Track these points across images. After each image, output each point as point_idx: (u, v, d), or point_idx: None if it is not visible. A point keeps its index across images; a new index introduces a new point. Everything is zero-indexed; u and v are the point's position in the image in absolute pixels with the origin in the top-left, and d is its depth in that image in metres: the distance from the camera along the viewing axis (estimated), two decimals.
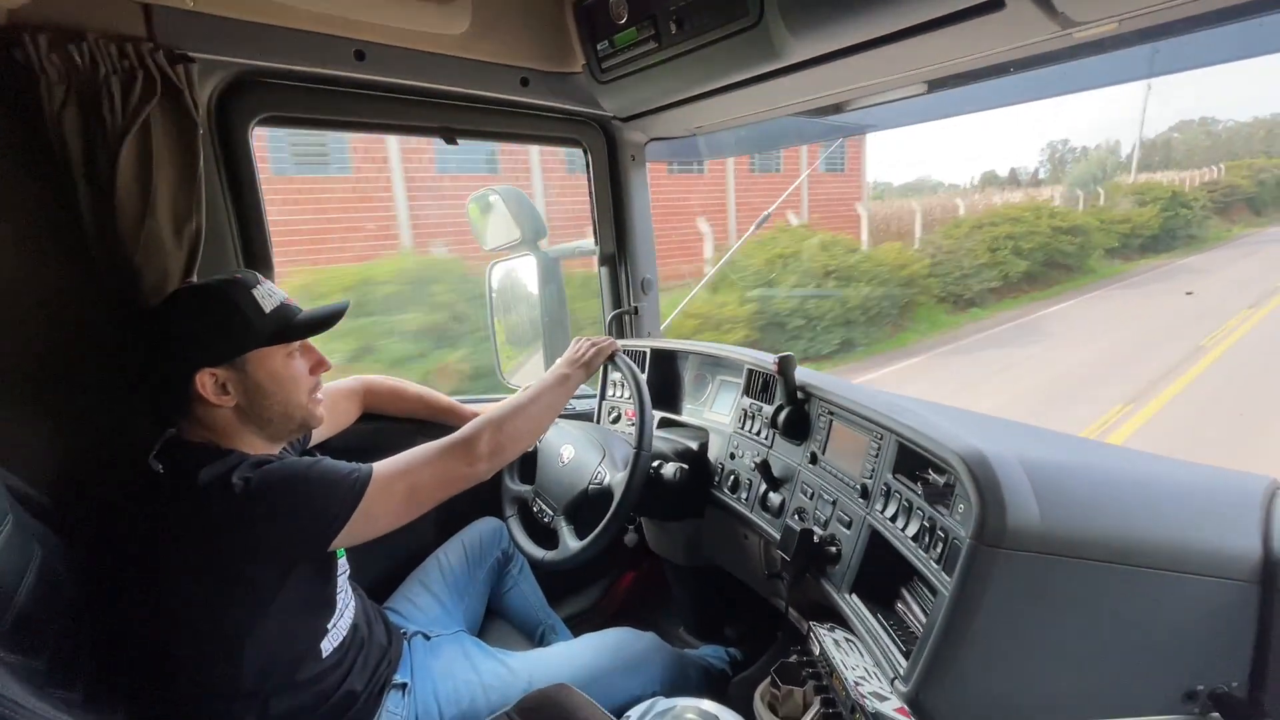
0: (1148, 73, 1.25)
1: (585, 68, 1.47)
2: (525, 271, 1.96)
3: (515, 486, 1.50)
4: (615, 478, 1.27)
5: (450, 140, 1.50)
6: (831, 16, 1.03)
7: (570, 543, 1.28)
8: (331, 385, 1.35)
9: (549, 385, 1.25)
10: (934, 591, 0.79)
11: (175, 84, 1.07)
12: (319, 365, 1.07)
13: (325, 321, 1.04)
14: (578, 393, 1.91)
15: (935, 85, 1.40)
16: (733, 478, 1.37)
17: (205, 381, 0.94)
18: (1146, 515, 0.79)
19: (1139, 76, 1.32)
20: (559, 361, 1.33)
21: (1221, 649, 0.77)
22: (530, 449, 1.48)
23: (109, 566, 0.93)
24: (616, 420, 1.72)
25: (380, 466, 1.00)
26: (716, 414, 1.56)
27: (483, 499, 1.58)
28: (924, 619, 0.83)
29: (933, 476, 0.89)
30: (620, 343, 1.77)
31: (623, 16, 1.32)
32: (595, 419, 1.77)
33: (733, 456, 1.40)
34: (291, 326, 1.01)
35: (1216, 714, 0.78)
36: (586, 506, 1.30)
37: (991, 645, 0.75)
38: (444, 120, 1.49)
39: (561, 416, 1.76)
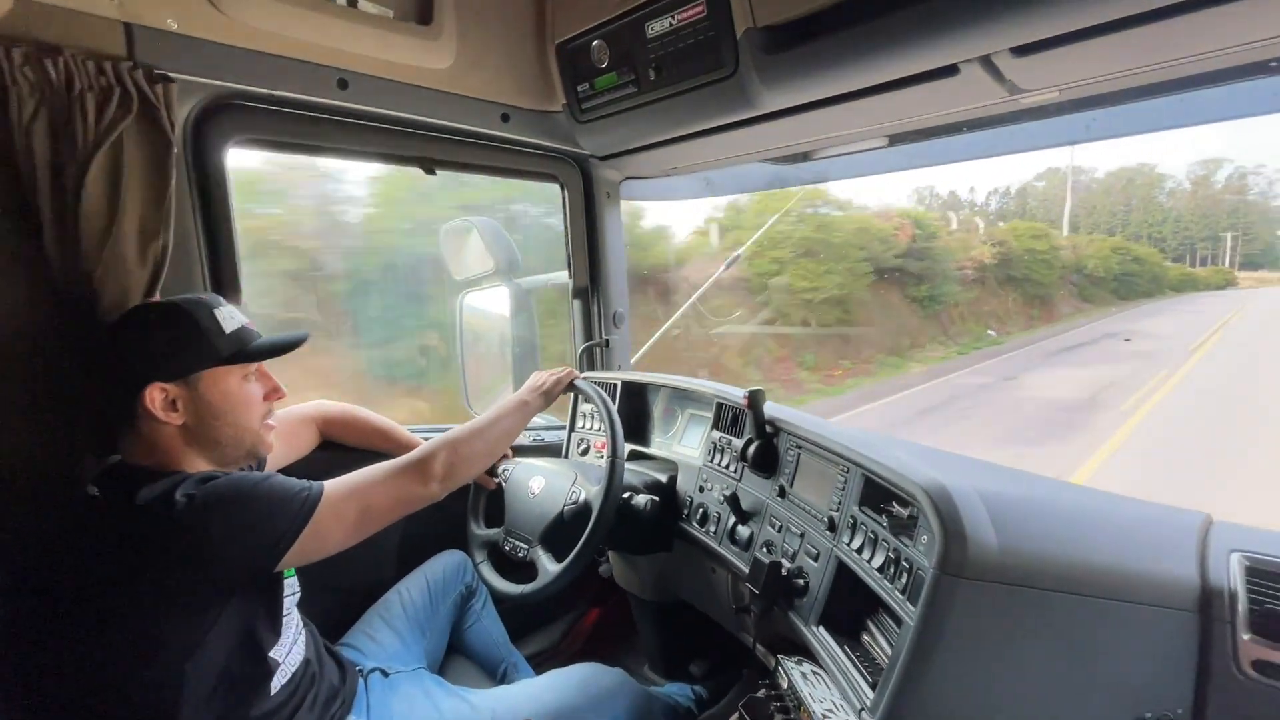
0: (1085, 138, 1.36)
1: (565, 107, 1.52)
2: (497, 302, 1.96)
3: (482, 531, 1.47)
4: (592, 492, 1.27)
5: (429, 171, 1.51)
6: (802, 72, 1.10)
7: (550, 567, 1.26)
8: (289, 411, 1.32)
9: (507, 410, 1.26)
10: (899, 622, 0.81)
11: (152, 103, 1.06)
12: (274, 392, 1.06)
13: (283, 348, 1.04)
14: (546, 426, 1.91)
15: (896, 139, 1.49)
16: (701, 511, 1.38)
17: (155, 396, 0.91)
18: (1095, 546, 0.83)
19: (1077, 140, 1.43)
20: (520, 391, 1.34)
21: (1166, 677, 0.81)
22: (489, 481, 1.47)
23: (36, 597, 0.88)
24: (585, 452, 1.72)
25: (332, 485, 0.98)
26: (686, 447, 1.57)
27: (446, 532, 1.55)
28: (889, 650, 0.85)
29: (897, 509, 0.92)
30: (592, 374, 1.79)
31: (604, 61, 1.37)
32: (564, 452, 1.76)
33: (702, 490, 1.41)
34: (250, 349, 0.99)
35: None
36: (564, 529, 1.29)
37: (954, 674, 0.76)
38: (424, 151, 1.51)
39: (529, 452, 1.75)
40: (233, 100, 1.23)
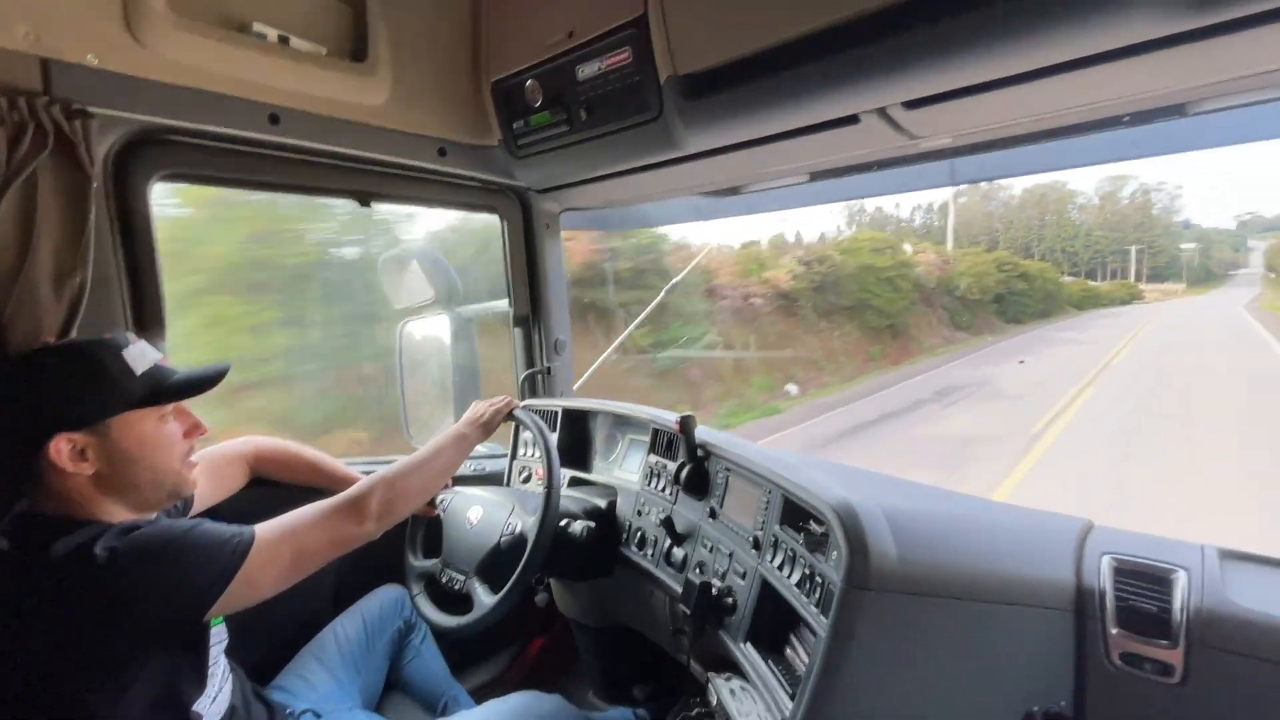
0: (980, 177, 1.50)
1: (502, 142, 1.56)
2: (437, 331, 1.97)
3: (420, 562, 1.46)
4: (528, 522, 1.28)
5: (364, 204, 1.52)
6: (721, 117, 1.18)
7: (485, 599, 1.26)
8: (217, 448, 1.29)
9: (446, 444, 1.27)
10: (815, 635, 0.86)
11: (69, 138, 1.04)
12: (194, 429, 1.01)
13: (202, 384, 0.99)
14: (488, 454, 1.91)
15: (816, 176, 1.59)
16: (639, 535, 1.42)
17: (61, 448, 0.86)
18: (986, 554, 0.91)
19: (976, 179, 1.57)
20: (458, 423, 1.35)
21: (1050, 672, 0.89)
22: (429, 510, 1.46)
23: None
24: (527, 480, 1.73)
25: (264, 529, 0.97)
26: (626, 472, 1.61)
27: (383, 567, 1.53)
28: (809, 662, 0.90)
29: (812, 526, 0.98)
30: (532, 402, 1.81)
31: (537, 100, 1.42)
32: (505, 481, 1.77)
33: (640, 514, 1.45)
34: (164, 389, 0.95)
35: None
36: (500, 560, 1.30)
37: (863, 680, 0.82)
38: (359, 184, 1.52)
39: (471, 481, 1.75)
40: (157, 135, 1.21)
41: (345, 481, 1.43)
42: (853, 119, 1.09)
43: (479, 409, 1.40)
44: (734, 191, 1.80)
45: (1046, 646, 0.89)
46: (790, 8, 0.96)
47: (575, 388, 2.04)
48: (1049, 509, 1.11)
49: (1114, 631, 0.85)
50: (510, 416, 1.42)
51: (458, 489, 1.51)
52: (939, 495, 1.17)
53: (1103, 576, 0.89)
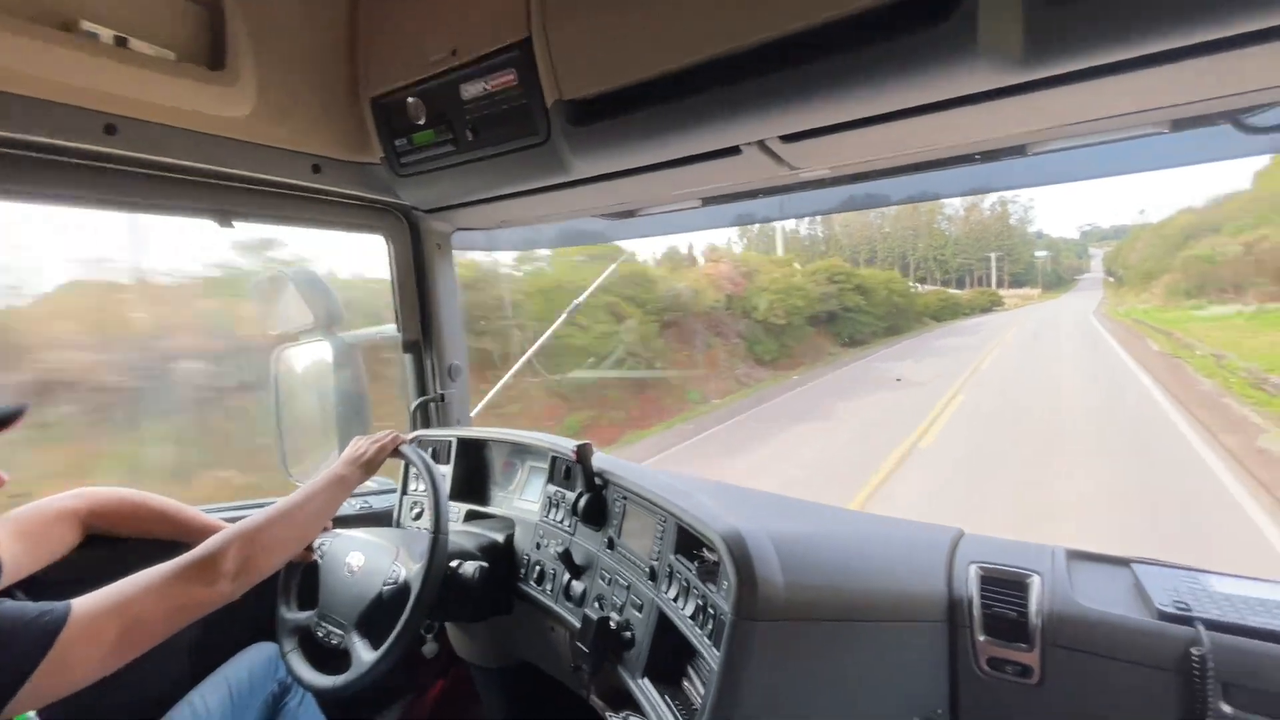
0: (861, 206, 1.59)
1: (384, 160, 1.48)
2: (318, 358, 1.82)
3: (293, 615, 1.32)
4: (412, 570, 1.19)
5: (225, 224, 1.39)
6: (608, 143, 1.17)
7: (364, 656, 1.16)
8: (35, 505, 1.11)
9: (321, 487, 1.17)
10: (710, 667, 0.86)
11: None
12: None
13: None
14: (377, 490, 1.79)
15: (708, 201, 1.63)
16: (539, 569, 1.36)
17: None
18: (865, 573, 0.94)
19: (858, 207, 1.66)
20: (336, 462, 1.24)
21: (927, 683, 0.93)
22: (305, 555, 1.34)
23: None
24: (420, 516, 1.63)
25: (84, 602, 0.84)
26: (526, 502, 1.55)
27: (252, 623, 1.38)
28: (704, 695, 0.89)
29: (706, 554, 0.97)
30: (424, 433, 1.71)
31: (421, 118, 1.36)
32: (395, 519, 1.66)
33: (539, 546, 1.40)
34: None
35: None
36: (381, 612, 1.20)
37: (755, 710, 0.82)
38: (220, 203, 1.39)
39: (355, 521, 1.62)
40: None
41: (203, 532, 1.27)
42: (734, 150, 1.12)
43: (360, 446, 1.30)
44: (630, 214, 1.80)
45: (924, 658, 0.93)
46: (671, 41, 0.97)
47: (473, 414, 1.96)
48: (924, 520, 1.18)
49: (981, 638, 0.91)
50: (396, 453, 1.33)
51: (339, 531, 1.39)
52: (824, 514, 1.20)
53: (970, 585, 0.95)
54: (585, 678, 1.20)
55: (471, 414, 1.94)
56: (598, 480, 1.27)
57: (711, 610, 0.88)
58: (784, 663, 0.83)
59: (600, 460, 1.30)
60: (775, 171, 1.24)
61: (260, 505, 1.40)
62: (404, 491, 1.68)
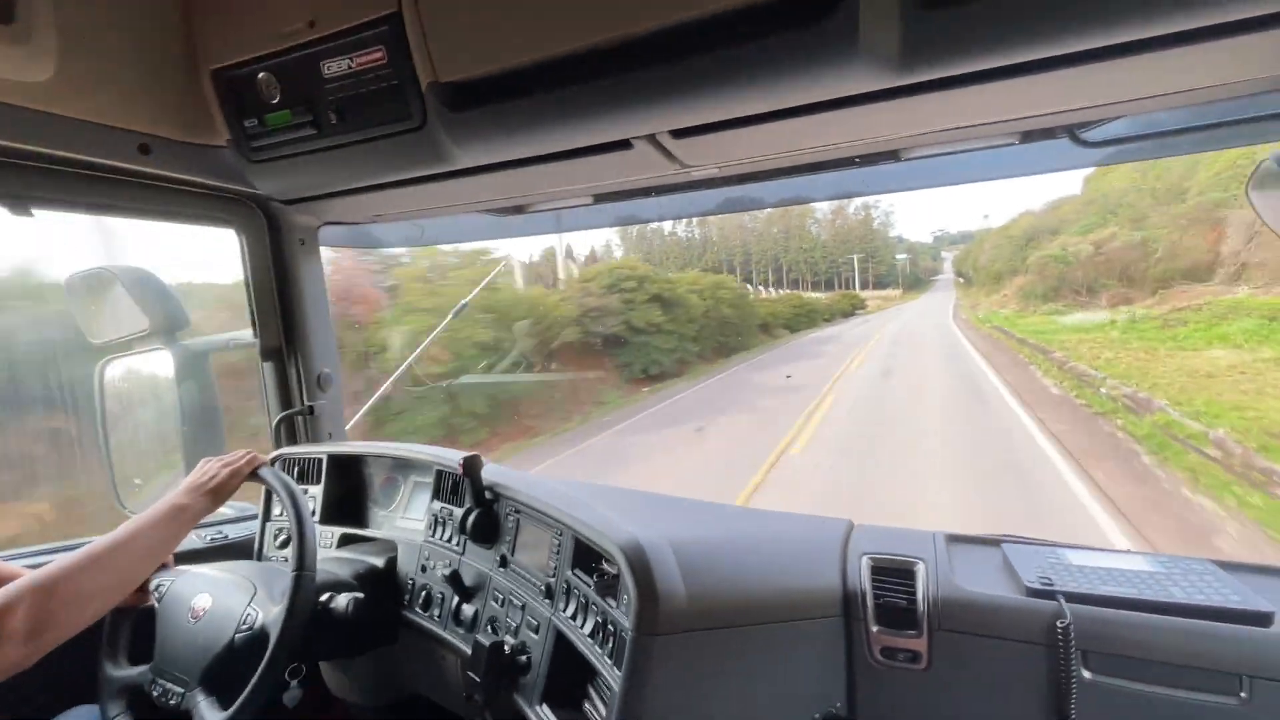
0: (750, 206, 1.61)
1: (231, 143, 1.30)
2: (156, 370, 1.58)
3: (121, 673, 1.12)
4: (271, 613, 1.04)
5: (21, 212, 1.15)
6: (491, 132, 1.09)
7: (209, 718, 0.99)
8: None
9: (152, 521, 0.99)
10: (610, 688, 0.81)
11: None
12: None
13: None
14: (235, 517, 1.58)
15: (600, 198, 1.58)
16: (425, 593, 1.25)
17: None
18: (765, 574, 0.94)
19: (749, 208, 1.69)
20: (176, 490, 1.07)
21: (827, 677, 0.95)
22: (138, 598, 1.14)
23: None
24: (286, 544, 1.45)
25: None
26: (410, 521, 1.43)
27: (68, 683, 1.16)
28: (605, 717, 0.84)
29: (605, 567, 0.93)
30: (291, 450, 1.53)
31: (275, 96, 1.20)
32: (256, 552, 1.47)
33: (424, 569, 1.28)
34: None
35: None
36: (233, 664, 1.03)
37: None
38: (14, 187, 1.15)
39: (209, 555, 1.42)
40: None
41: None
42: (626, 144, 1.08)
43: (207, 470, 1.12)
44: (519, 210, 1.72)
45: (822, 653, 0.94)
46: (558, 24, 0.92)
47: (349, 427, 1.78)
48: (817, 514, 1.20)
49: (875, 629, 0.93)
50: (254, 476, 1.16)
51: (185, 568, 1.20)
52: (721, 513, 1.20)
53: (863, 577, 0.97)
54: (480, 708, 1.12)
55: (347, 427, 1.77)
56: (488, 494, 1.19)
57: (611, 627, 0.84)
58: (686, 675, 0.80)
59: (490, 472, 1.21)
60: (667, 168, 1.22)
61: (76, 545, 1.17)
62: (266, 518, 1.49)
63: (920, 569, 0.96)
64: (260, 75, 1.19)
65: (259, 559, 1.47)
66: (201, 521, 1.11)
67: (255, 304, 1.56)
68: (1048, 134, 1.16)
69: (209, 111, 1.27)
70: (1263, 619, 0.78)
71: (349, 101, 1.15)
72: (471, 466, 1.16)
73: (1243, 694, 0.75)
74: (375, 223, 1.69)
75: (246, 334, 1.62)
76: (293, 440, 1.64)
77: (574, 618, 0.93)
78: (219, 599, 1.09)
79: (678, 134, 1.04)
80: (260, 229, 1.53)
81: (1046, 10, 0.70)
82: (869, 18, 0.76)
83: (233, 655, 1.01)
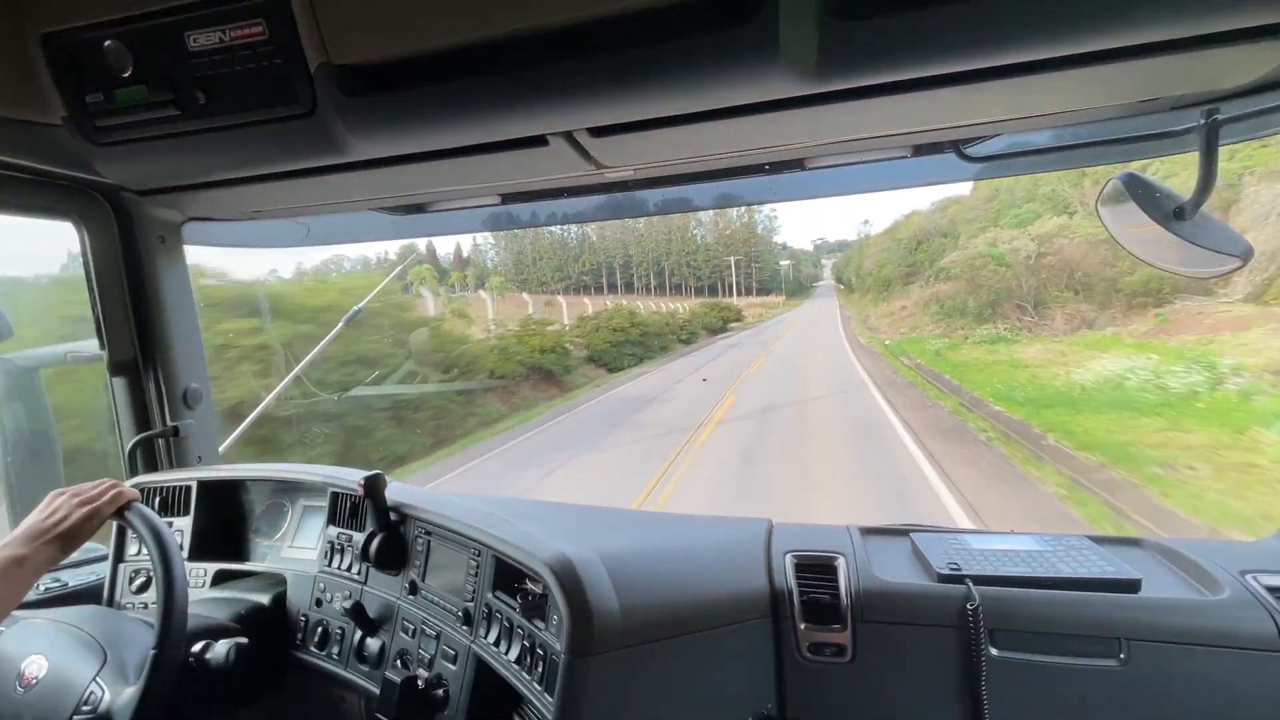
0: (656, 212, 1.61)
1: (69, 121, 1.10)
2: None
3: None
4: (120, 698, 0.85)
5: None
6: (392, 121, 1.00)
7: None
8: None
9: None
10: (541, 715, 0.76)
11: None
12: None
13: None
14: (79, 559, 1.35)
15: (508, 199, 1.52)
16: (321, 630, 1.13)
17: None
18: (694, 582, 0.92)
19: (654, 213, 1.69)
20: (13, 535, 0.87)
21: (757, 679, 0.95)
22: None
23: None
24: (145, 588, 1.25)
25: None
26: (300, 549, 1.28)
27: None
28: None
29: (529, 587, 0.87)
30: (152, 477, 1.34)
31: (126, 68, 1.03)
32: (107, 597, 1.26)
33: (320, 603, 1.16)
34: None
35: None
36: None
37: None
38: None
39: (42, 603, 1.21)
40: None
41: None
42: (541, 141, 1.04)
43: (56, 508, 0.92)
44: (419, 209, 1.61)
45: (753, 655, 0.94)
46: (477, 8, 0.85)
47: (223, 450, 1.58)
48: (736, 514, 1.21)
49: (802, 626, 0.94)
50: (118, 516, 0.96)
51: (15, 615, 1.00)
52: (642, 521, 1.17)
53: (788, 575, 0.98)
54: None
55: (220, 449, 1.56)
56: (393, 515, 1.09)
57: (540, 650, 0.78)
58: (620, 693, 0.77)
59: (394, 491, 1.11)
60: (581, 168, 1.19)
61: None
62: (119, 559, 1.28)
63: (841, 563, 0.98)
64: (107, 43, 1.02)
65: (109, 605, 1.26)
66: (38, 580, 0.92)
67: (101, 310, 1.34)
68: (936, 148, 1.24)
69: (38, 83, 1.08)
70: (1133, 585, 0.87)
71: (220, 80, 1.01)
72: (374, 487, 1.06)
73: (1122, 655, 0.84)
74: (252, 219, 1.51)
75: (89, 344, 1.39)
76: (152, 466, 1.42)
77: (496, 644, 0.86)
78: (56, 664, 0.90)
79: (596, 132, 1.01)
80: (106, 223, 1.32)
81: (948, 27, 0.75)
82: (788, 24, 0.77)
83: None
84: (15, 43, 1.07)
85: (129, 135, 1.10)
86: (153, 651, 0.85)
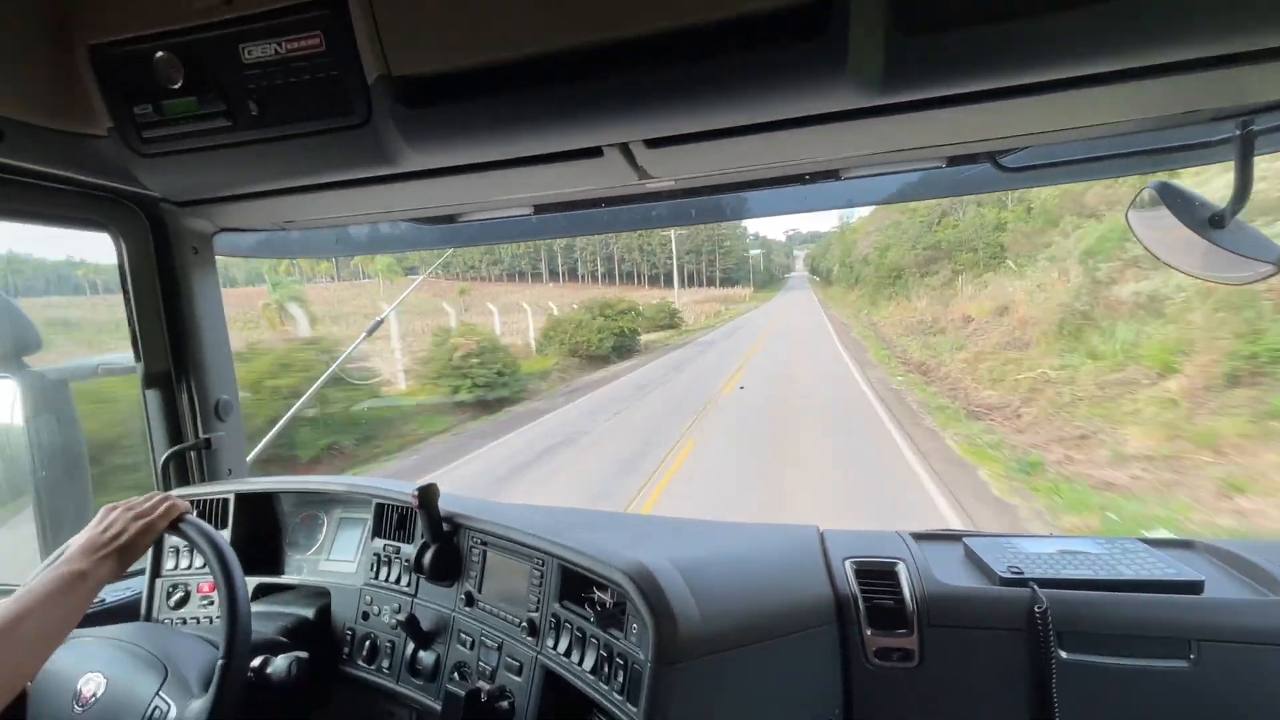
0: (690, 222, 1.63)
1: (114, 131, 1.10)
2: None
3: None
4: (189, 710, 0.84)
5: None
6: (448, 132, 1.00)
7: None
8: None
9: (41, 599, 0.77)
10: None
11: None
12: None
13: None
14: None
15: (541, 209, 1.52)
16: (368, 644, 1.12)
17: None
18: (762, 590, 0.92)
19: (686, 223, 1.71)
20: (70, 551, 0.86)
21: (826, 686, 0.95)
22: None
23: None
24: (183, 603, 1.23)
25: None
26: (338, 562, 1.27)
27: None
28: None
29: (599, 596, 0.87)
30: (187, 490, 1.32)
31: (176, 80, 1.03)
32: (145, 613, 1.24)
33: (366, 616, 1.14)
34: None
35: None
36: None
37: None
38: None
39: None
40: None
41: None
42: (596, 151, 1.04)
43: (111, 523, 0.90)
44: (450, 220, 1.61)
45: (821, 661, 0.94)
46: (537, 23, 0.86)
47: (250, 460, 1.56)
48: (785, 521, 1.21)
49: (868, 632, 0.95)
50: (173, 529, 0.94)
51: None
52: (695, 530, 1.17)
53: (850, 582, 0.99)
54: None
55: (248, 459, 1.55)
56: (446, 526, 1.08)
57: (620, 660, 0.78)
58: (702, 700, 0.77)
59: (446, 502, 1.11)
60: (628, 179, 1.20)
61: None
62: (156, 574, 1.26)
63: (902, 569, 0.99)
64: (158, 55, 1.02)
65: (148, 620, 1.24)
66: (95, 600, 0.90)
67: (138, 322, 1.32)
68: (972, 159, 1.27)
69: (86, 94, 1.07)
70: (1196, 586, 0.89)
71: (274, 91, 1.01)
72: (427, 497, 1.05)
73: (1191, 656, 0.85)
74: (283, 229, 1.50)
75: (121, 357, 1.37)
76: (184, 480, 1.41)
77: (568, 654, 0.86)
78: (115, 682, 0.89)
79: (651, 144, 1.02)
80: (143, 234, 1.31)
81: (1005, 43, 0.77)
82: (858, 39, 0.78)
83: None
84: (63, 55, 1.06)
85: (176, 147, 1.10)
86: (221, 661, 0.84)
